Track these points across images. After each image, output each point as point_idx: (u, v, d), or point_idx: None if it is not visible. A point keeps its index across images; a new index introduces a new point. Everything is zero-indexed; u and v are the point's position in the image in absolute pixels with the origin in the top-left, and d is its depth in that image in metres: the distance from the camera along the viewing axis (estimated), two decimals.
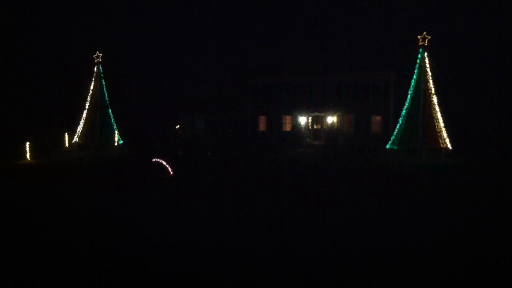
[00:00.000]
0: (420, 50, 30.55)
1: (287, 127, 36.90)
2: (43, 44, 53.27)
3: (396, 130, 31.01)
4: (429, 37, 30.18)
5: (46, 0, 65.66)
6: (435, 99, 29.96)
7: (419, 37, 30.41)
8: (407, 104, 30.78)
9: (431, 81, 30.20)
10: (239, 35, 68.85)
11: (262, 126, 37.69)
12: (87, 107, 37.80)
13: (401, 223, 9.82)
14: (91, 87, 38.22)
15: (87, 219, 10.26)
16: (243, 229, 9.35)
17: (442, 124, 29.58)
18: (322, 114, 35.99)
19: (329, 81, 35.74)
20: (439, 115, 29.68)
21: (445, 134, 29.47)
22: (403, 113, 30.74)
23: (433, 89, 30.12)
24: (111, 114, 38.35)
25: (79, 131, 37.26)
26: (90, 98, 38.03)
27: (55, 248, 7.83)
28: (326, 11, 65.36)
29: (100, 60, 38.34)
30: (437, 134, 29.45)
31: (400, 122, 30.81)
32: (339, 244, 8.20)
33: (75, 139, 36.92)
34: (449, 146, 29.05)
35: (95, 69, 38.31)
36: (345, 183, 15.95)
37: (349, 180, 16.74)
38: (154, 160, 19.36)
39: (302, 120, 36.15)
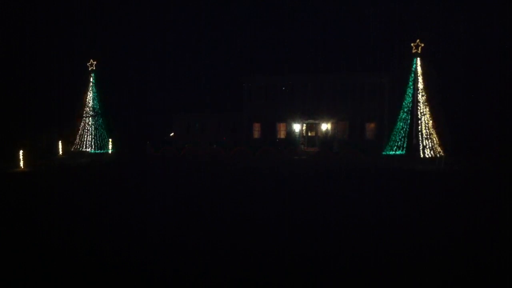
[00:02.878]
0: (414, 58, 30.93)
1: (282, 134, 37.04)
2: (37, 51, 53.05)
3: (392, 136, 31.35)
4: (422, 45, 30.58)
5: (39, 6, 65.43)
6: (428, 106, 30.31)
7: (412, 44, 30.79)
8: (401, 111, 31.13)
9: (425, 88, 30.55)
10: (236, 38, 69.13)
11: (256, 133, 37.78)
12: (81, 114, 37.77)
13: (397, 225, 9.85)
14: (85, 94, 38.21)
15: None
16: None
17: (435, 130, 29.90)
18: (317, 121, 36.18)
19: (323, 88, 35.98)
20: (430, 122, 30.03)
21: (439, 140, 29.78)
22: (398, 120, 31.08)
23: (425, 96, 30.48)
24: (105, 121, 38.34)
25: (73, 138, 37.17)
26: (84, 105, 38.01)
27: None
28: (321, 17, 65.87)
29: (94, 68, 38.37)
30: (431, 140, 29.76)
31: (396, 128, 31.16)
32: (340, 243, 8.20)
33: (69, 146, 36.78)
34: (442, 152, 29.32)
35: (89, 76, 38.35)
36: (339, 186, 15.99)
37: (342, 183, 16.78)
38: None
39: (297, 127, 36.30)
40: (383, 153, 31.69)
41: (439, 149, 29.64)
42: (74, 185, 17.56)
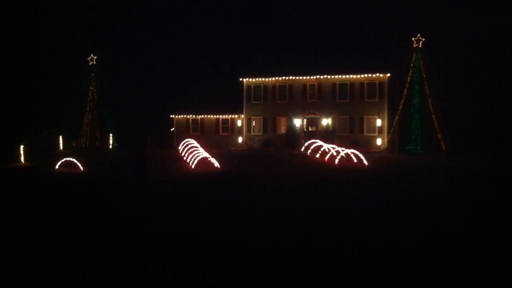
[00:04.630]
0: (415, 52, 30.86)
1: (282, 129, 37.00)
2: (38, 46, 53.01)
3: (391, 131, 31.37)
4: (423, 39, 30.50)
5: (41, 3, 65.35)
6: (430, 100, 30.27)
7: (413, 39, 30.73)
8: (401, 106, 31.11)
9: (426, 83, 30.51)
10: (234, 36, 69.03)
11: (256, 128, 37.77)
12: (82, 109, 37.79)
13: (397, 219, 9.91)
14: (86, 90, 38.20)
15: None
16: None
17: (437, 126, 29.88)
18: (317, 116, 36.14)
19: (324, 82, 35.91)
20: (433, 116, 30.00)
21: (440, 135, 29.78)
22: (398, 115, 31.06)
23: (427, 91, 30.44)
24: (106, 116, 38.37)
25: (74, 133, 37.19)
26: (85, 100, 38.01)
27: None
28: (320, 13, 65.64)
29: (95, 62, 38.34)
30: (433, 135, 29.77)
31: (395, 123, 31.16)
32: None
33: (70, 141, 36.84)
34: (444, 146, 29.35)
35: (90, 71, 38.32)
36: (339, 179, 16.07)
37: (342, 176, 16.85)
38: None
39: (297, 122, 36.27)
40: (384, 147, 31.72)
41: (440, 144, 29.66)
42: (74, 180, 17.61)
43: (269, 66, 38.35)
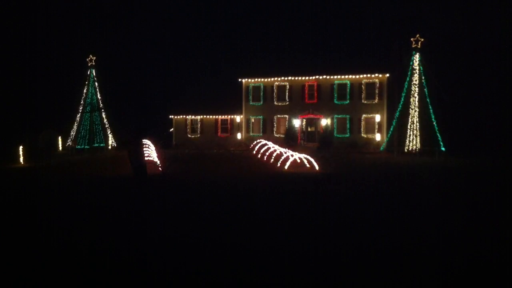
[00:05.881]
0: (413, 52, 30.89)
1: (281, 130, 37.03)
2: (37, 47, 52.97)
3: (390, 132, 31.42)
4: (422, 40, 30.54)
5: (40, 2, 65.32)
6: (428, 101, 30.31)
7: (412, 39, 30.76)
8: (400, 106, 31.13)
9: (424, 83, 30.53)
10: (233, 36, 69.05)
11: (255, 129, 37.79)
12: (80, 110, 37.77)
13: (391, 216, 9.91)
14: (85, 90, 38.17)
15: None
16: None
17: (436, 126, 29.92)
18: (316, 117, 36.17)
19: (323, 83, 35.95)
20: (433, 116, 30.04)
21: (438, 136, 29.81)
22: (397, 116, 31.09)
23: (426, 91, 30.46)
24: (104, 116, 38.35)
25: (73, 134, 37.15)
26: (84, 101, 37.98)
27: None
28: (320, 13, 65.70)
29: (93, 63, 38.33)
30: (429, 136, 29.80)
31: (394, 124, 31.19)
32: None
33: (69, 142, 36.82)
34: (443, 147, 29.38)
35: (88, 72, 38.29)
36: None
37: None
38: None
39: (296, 122, 36.29)
40: (381, 149, 31.79)
41: (439, 144, 29.69)
42: (75, 180, 17.58)
43: (268, 66, 38.38)
